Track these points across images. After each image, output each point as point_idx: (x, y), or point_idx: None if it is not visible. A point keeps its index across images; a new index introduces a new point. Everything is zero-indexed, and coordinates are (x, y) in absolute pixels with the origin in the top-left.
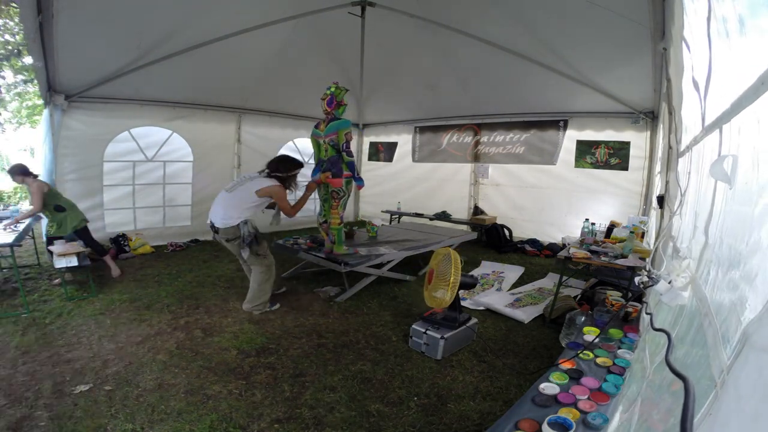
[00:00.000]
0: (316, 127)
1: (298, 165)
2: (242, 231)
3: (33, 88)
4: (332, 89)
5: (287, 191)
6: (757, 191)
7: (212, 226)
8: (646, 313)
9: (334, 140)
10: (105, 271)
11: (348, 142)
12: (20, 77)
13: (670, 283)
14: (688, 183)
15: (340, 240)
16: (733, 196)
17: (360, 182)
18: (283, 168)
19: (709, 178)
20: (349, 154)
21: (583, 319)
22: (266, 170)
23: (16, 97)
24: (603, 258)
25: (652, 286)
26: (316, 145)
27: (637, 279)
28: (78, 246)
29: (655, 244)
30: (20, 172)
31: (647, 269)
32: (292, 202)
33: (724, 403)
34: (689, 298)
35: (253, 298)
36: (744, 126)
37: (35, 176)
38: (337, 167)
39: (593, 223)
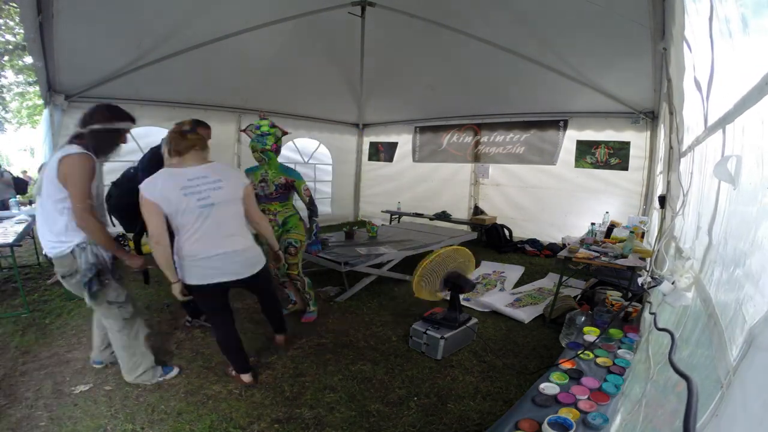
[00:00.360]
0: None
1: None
2: (79, 261)
3: (33, 88)
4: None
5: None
6: (762, 191)
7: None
8: (650, 313)
9: None
10: None
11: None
12: (21, 77)
13: (673, 283)
14: (691, 183)
15: (310, 286)
16: (737, 196)
17: (316, 247)
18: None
19: (713, 179)
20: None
21: (583, 319)
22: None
23: (17, 97)
24: (603, 258)
25: (655, 286)
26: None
27: (640, 280)
28: None
29: (657, 244)
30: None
31: (649, 269)
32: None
33: (730, 404)
34: (693, 298)
35: (129, 370)
36: (748, 126)
37: None
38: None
39: (593, 223)
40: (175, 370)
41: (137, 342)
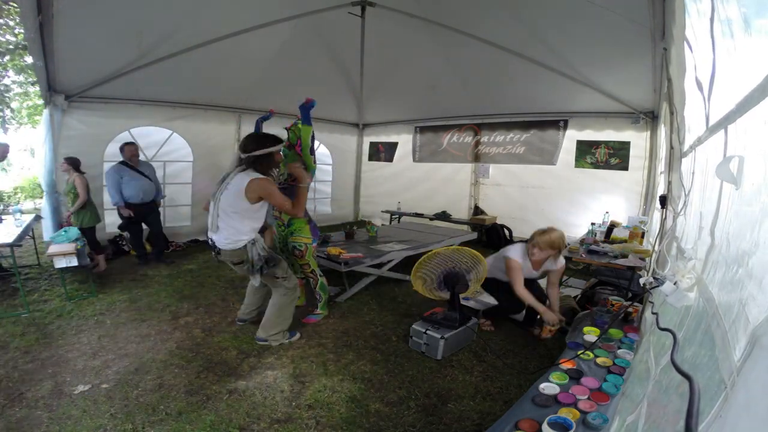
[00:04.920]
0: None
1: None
2: (251, 254)
3: (34, 88)
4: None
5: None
6: (764, 192)
7: (213, 245)
8: (652, 313)
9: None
10: (96, 267)
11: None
12: (21, 77)
13: (675, 284)
14: (692, 183)
15: (324, 288)
16: (739, 196)
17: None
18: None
19: (715, 179)
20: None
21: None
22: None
23: (17, 97)
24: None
25: (657, 287)
26: None
27: (642, 281)
28: (75, 245)
29: (659, 245)
30: (74, 165)
31: (650, 270)
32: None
33: (734, 404)
34: (695, 299)
35: (271, 326)
36: (750, 127)
37: (83, 173)
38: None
39: (593, 223)
40: (297, 335)
41: (290, 307)
